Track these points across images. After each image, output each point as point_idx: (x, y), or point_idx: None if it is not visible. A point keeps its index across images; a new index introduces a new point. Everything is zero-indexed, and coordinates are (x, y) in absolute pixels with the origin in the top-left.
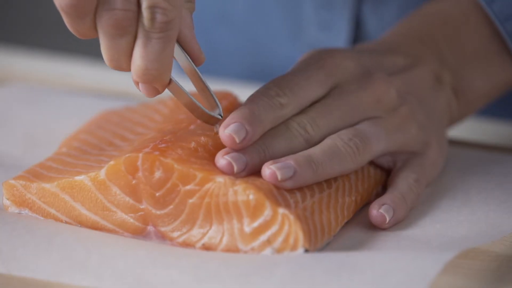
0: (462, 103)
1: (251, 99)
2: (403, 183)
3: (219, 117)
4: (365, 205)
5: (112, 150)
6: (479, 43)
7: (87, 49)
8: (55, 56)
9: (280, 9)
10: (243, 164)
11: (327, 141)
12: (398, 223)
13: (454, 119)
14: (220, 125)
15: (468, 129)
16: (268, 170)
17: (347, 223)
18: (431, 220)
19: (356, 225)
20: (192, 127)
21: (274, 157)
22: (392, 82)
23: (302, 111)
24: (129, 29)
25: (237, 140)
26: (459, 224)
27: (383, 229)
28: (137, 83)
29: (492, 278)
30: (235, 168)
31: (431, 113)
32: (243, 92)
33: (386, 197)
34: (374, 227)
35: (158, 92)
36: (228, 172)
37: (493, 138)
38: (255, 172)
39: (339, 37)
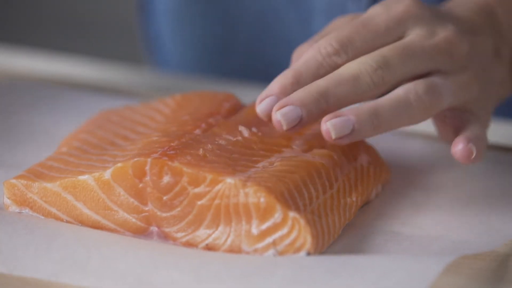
0: None
1: (305, 60)
2: (472, 130)
3: None
4: (364, 205)
5: (114, 150)
6: None
7: (87, 49)
8: (55, 55)
9: (286, 27)
10: (295, 121)
11: (399, 92)
12: (477, 162)
13: (503, 96)
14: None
15: None
16: (324, 126)
17: (347, 224)
18: (432, 221)
19: (356, 226)
20: (197, 131)
21: (338, 105)
22: (464, 35)
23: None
24: None
25: (285, 127)
26: (460, 227)
27: (467, 164)
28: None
29: (493, 278)
30: (285, 126)
31: (489, 83)
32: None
33: (465, 135)
34: (373, 228)
35: None
36: (279, 128)
37: (496, 137)
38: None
39: None
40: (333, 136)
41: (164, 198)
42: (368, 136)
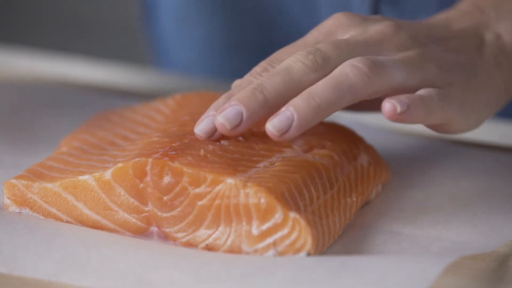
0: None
1: (237, 84)
2: (423, 91)
3: None
4: (363, 206)
5: (114, 150)
6: None
7: (87, 49)
8: (55, 55)
9: (291, 22)
10: (238, 119)
11: (335, 70)
12: (413, 121)
13: (509, 80)
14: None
15: None
16: (266, 129)
17: (347, 224)
18: (431, 221)
19: (356, 226)
20: None
21: (277, 97)
22: (401, 25)
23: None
24: None
25: (228, 127)
26: (460, 226)
27: (396, 121)
28: None
29: (493, 278)
30: (228, 126)
31: (467, 63)
32: None
33: (401, 95)
34: (374, 228)
35: None
36: (224, 132)
37: (496, 137)
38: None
39: None
40: (277, 134)
41: (165, 198)
42: (314, 120)
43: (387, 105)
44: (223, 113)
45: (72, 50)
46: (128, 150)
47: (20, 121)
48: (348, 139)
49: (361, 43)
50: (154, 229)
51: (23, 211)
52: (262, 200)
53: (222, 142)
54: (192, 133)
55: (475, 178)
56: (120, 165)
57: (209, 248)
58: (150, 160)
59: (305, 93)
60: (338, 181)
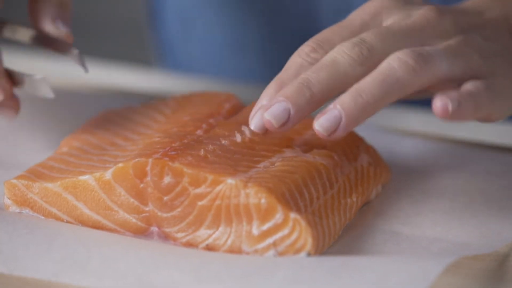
0: None
1: (287, 67)
2: (471, 85)
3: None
4: (364, 205)
5: (115, 150)
6: None
7: (87, 49)
8: (55, 55)
9: (293, 22)
10: (285, 116)
11: (381, 64)
12: (464, 119)
13: None
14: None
15: (469, 129)
16: (314, 128)
17: (347, 224)
18: (431, 221)
19: (356, 226)
20: (198, 132)
21: (324, 92)
22: (444, 11)
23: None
24: None
25: (276, 125)
26: (460, 228)
27: (449, 121)
28: None
29: (492, 278)
30: (275, 124)
31: (505, 54)
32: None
33: (451, 91)
34: (374, 228)
35: None
36: (272, 129)
37: (495, 137)
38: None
39: None
40: (325, 134)
41: (165, 198)
42: (362, 118)
43: (439, 104)
44: (270, 110)
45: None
46: (128, 150)
47: (20, 121)
48: (348, 139)
49: (405, 31)
50: (154, 229)
51: (24, 211)
52: (263, 201)
53: (222, 142)
54: (192, 133)
55: (475, 179)
56: (120, 165)
57: (209, 248)
58: (150, 160)
59: (352, 90)
60: (338, 181)
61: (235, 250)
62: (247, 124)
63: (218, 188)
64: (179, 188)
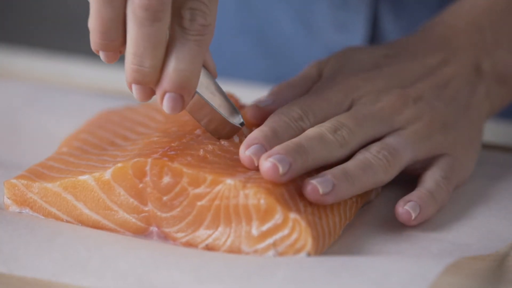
0: (505, 89)
1: (275, 120)
2: (431, 180)
3: (241, 126)
4: (364, 205)
5: (114, 150)
6: None
7: (87, 48)
8: (55, 55)
9: (293, 14)
10: (287, 166)
11: (358, 156)
12: (426, 220)
13: (496, 107)
14: (242, 135)
15: None
16: (309, 185)
17: (347, 224)
18: (431, 222)
19: (356, 226)
20: (198, 131)
21: (315, 160)
22: (409, 94)
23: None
24: (161, 15)
25: (281, 171)
26: (459, 229)
27: (411, 226)
28: (162, 96)
29: (492, 278)
30: (281, 170)
31: (464, 110)
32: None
33: (412, 194)
34: (374, 228)
35: (183, 105)
36: (272, 175)
37: (495, 137)
38: (295, 178)
39: (356, 38)
40: (321, 191)
41: (164, 198)
42: (347, 195)
43: (401, 212)
44: (276, 157)
45: (72, 50)
46: (128, 150)
47: (20, 121)
48: None
49: (376, 117)
50: (153, 229)
51: (24, 211)
52: (262, 201)
53: (222, 143)
54: (191, 132)
55: (475, 180)
56: (119, 165)
57: (209, 248)
58: (149, 160)
59: (341, 169)
60: None
61: (234, 250)
62: (247, 124)
63: (217, 188)
64: (178, 188)
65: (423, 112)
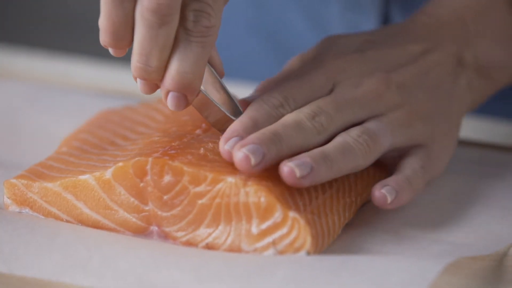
0: (487, 80)
1: (255, 108)
2: (408, 167)
3: None
4: (364, 205)
5: (114, 150)
6: (506, 25)
7: (87, 48)
8: (55, 55)
9: (305, 15)
10: (260, 156)
11: (338, 139)
12: (402, 204)
13: (477, 99)
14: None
15: (469, 128)
16: (286, 167)
17: (347, 223)
18: (431, 222)
19: (356, 226)
20: (198, 131)
21: (290, 147)
22: (392, 79)
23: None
24: (169, 19)
25: (253, 162)
26: (459, 229)
27: (387, 209)
28: (166, 95)
29: (492, 278)
30: (253, 161)
31: (444, 101)
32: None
33: (389, 179)
34: (373, 227)
35: (187, 104)
36: (245, 166)
37: (494, 137)
38: (271, 166)
39: None
40: (298, 174)
41: (165, 197)
42: (325, 178)
43: (377, 195)
44: (249, 147)
45: (72, 50)
46: (128, 150)
47: (20, 121)
48: None
49: (357, 101)
50: (154, 228)
51: (23, 211)
52: (262, 199)
53: None
54: (191, 132)
55: (475, 180)
56: (120, 164)
57: (209, 247)
58: (150, 159)
59: (320, 152)
60: (337, 181)
61: (234, 249)
62: None
63: (218, 186)
64: (179, 187)
65: (405, 100)
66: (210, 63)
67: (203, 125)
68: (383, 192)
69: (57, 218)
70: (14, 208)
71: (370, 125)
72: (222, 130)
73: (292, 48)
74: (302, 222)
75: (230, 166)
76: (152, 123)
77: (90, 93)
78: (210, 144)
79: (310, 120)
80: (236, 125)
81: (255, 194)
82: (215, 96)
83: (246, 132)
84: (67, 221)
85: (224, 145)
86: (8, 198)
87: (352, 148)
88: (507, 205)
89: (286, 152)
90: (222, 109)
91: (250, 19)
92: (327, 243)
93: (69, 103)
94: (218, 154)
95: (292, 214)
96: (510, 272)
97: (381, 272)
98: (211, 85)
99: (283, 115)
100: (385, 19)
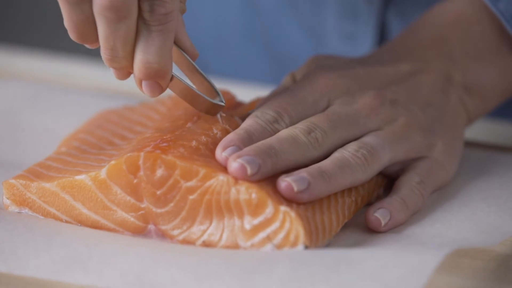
0: (477, 100)
1: (250, 123)
2: (405, 186)
3: (222, 104)
4: (366, 206)
5: (112, 149)
6: (491, 41)
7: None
8: (54, 55)
9: (301, 23)
10: (256, 167)
11: (336, 154)
12: (397, 226)
13: (472, 117)
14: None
15: (470, 129)
16: (283, 182)
17: (347, 223)
18: (431, 219)
19: (356, 226)
20: (189, 124)
21: (286, 161)
22: (385, 95)
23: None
24: (126, 13)
25: (249, 172)
26: (459, 224)
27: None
28: (140, 84)
29: (491, 278)
30: (249, 171)
31: (440, 115)
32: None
33: (384, 201)
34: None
35: (161, 89)
36: (240, 175)
37: (493, 137)
38: (265, 178)
39: (363, 47)
40: (295, 189)
41: (158, 192)
42: (323, 193)
43: (372, 219)
44: (245, 158)
45: (72, 50)
46: (125, 150)
47: (20, 121)
48: None
49: (351, 118)
50: (151, 227)
51: (23, 211)
52: (253, 195)
53: (215, 133)
54: (183, 126)
55: (475, 178)
56: (113, 162)
57: (206, 244)
58: (142, 154)
59: (317, 167)
60: None
61: (232, 245)
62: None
63: (209, 183)
64: (171, 181)
65: (400, 114)
66: (181, 47)
67: (195, 118)
68: (376, 216)
69: (56, 218)
70: (13, 208)
71: (368, 139)
72: (202, 111)
73: (288, 55)
74: (293, 214)
75: None
76: (149, 122)
77: (90, 93)
78: (203, 137)
79: (306, 135)
80: (232, 135)
81: (246, 191)
82: (192, 79)
83: (242, 143)
84: (67, 222)
85: (222, 152)
86: (8, 198)
87: (350, 163)
88: (507, 199)
89: (281, 166)
90: (197, 91)
91: (246, 26)
92: (324, 238)
93: (68, 103)
94: (210, 150)
95: (283, 208)
96: (510, 272)
97: (380, 267)
98: (186, 69)
99: (278, 131)
100: (382, 27)
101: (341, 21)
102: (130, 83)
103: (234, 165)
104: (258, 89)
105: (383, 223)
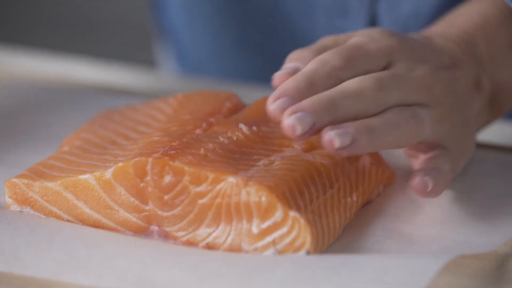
0: (493, 108)
1: (314, 68)
2: (439, 164)
3: None
4: (364, 205)
5: (116, 149)
6: None
7: (88, 48)
8: (56, 55)
9: (291, 23)
10: (308, 126)
11: (389, 114)
12: (435, 197)
13: (481, 126)
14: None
15: None
16: (326, 136)
17: (349, 227)
18: (432, 220)
19: (356, 224)
20: (198, 131)
21: (344, 118)
22: (439, 75)
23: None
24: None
25: (299, 131)
26: (459, 226)
27: (424, 197)
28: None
29: (492, 278)
30: (299, 131)
31: (464, 111)
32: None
33: (426, 170)
34: (373, 226)
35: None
36: (290, 133)
37: (495, 137)
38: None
39: None
40: (336, 145)
41: (165, 197)
42: (364, 151)
43: (419, 182)
44: (298, 115)
45: (73, 50)
46: (129, 150)
47: (21, 121)
48: None
49: (411, 85)
50: (154, 228)
51: (24, 210)
52: (263, 199)
53: (222, 140)
54: (192, 132)
55: (475, 178)
56: (120, 164)
57: (209, 246)
58: (150, 159)
59: (366, 124)
60: (339, 181)
61: (235, 248)
62: (247, 123)
63: (219, 186)
64: (179, 187)
65: (443, 100)
66: None
67: (204, 124)
68: (426, 179)
69: (58, 217)
70: (15, 207)
71: (420, 110)
72: None
73: (281, 57)
74: (302, 221)
75: (230, 166)
76: (153, 123)
77: (92, 92)
78: (210, 144)
79: (373, 91)
80: (289, 83)
81: (256, 193)
82: None
83: (298, 93)
84: (68, 221)
85: (272, 103)
86: (9, 197)
87: (400, 125)
88: (508, 201)
89: (339, 120)
90: None
91: (240, 33)
92: (327, 243)
93: (69, 102)
94: (218, 154)
95: (292, 213)
96: (510, 272)
97: (381, 270)
98: None
99: (341, 80)
100: (372, 24)
101: (331, 19)
102: (131, 83)
103: (286, 122)
104: (259, 90)
105: (430, 187)
